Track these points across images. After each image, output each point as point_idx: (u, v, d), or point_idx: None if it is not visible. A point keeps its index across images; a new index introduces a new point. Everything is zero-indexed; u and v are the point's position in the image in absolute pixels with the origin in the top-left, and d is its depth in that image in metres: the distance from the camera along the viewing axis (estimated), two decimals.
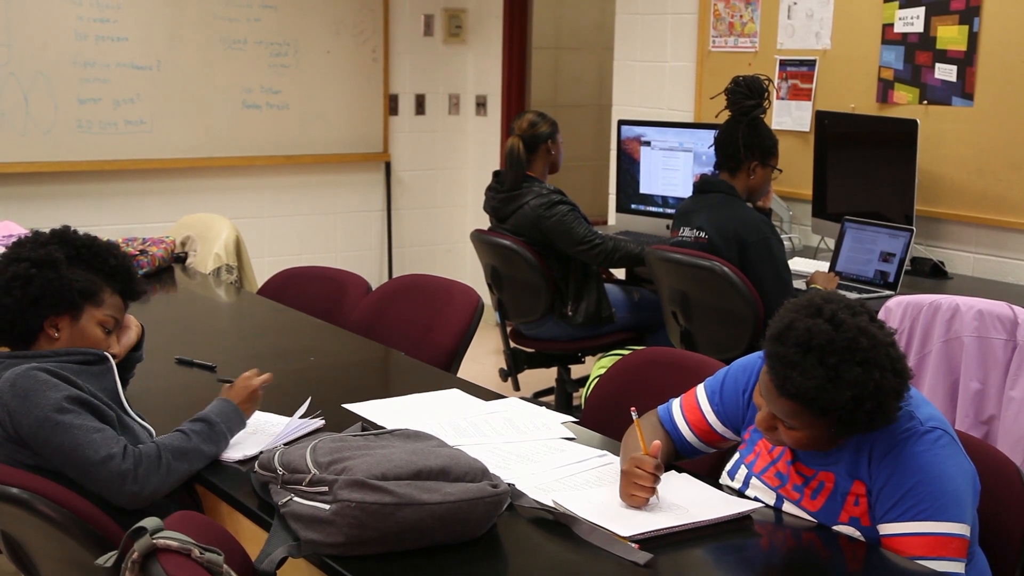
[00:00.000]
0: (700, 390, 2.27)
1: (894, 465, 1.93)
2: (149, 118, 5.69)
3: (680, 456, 2.29)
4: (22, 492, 1.99)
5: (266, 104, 6.01)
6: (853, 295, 3.77)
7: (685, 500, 2.05)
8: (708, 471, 2.28)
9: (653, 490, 2.02)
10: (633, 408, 2.14)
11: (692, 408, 2.25)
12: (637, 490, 2.02)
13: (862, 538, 1.98)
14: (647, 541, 1.91)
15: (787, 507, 2.07)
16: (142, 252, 4.14)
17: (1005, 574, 2.05)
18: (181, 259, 4.42)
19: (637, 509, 2.01)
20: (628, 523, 1.95)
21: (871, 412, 1.87)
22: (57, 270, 2.24)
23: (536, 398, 5.01)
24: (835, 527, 2.00)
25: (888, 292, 3.78)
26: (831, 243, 4.26)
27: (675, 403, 2.29)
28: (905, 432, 1.94)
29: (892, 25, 4.37)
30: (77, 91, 5.49)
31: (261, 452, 2.17)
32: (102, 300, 2.30)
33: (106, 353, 2.28)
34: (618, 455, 2.22)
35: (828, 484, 2.01)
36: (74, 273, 2.26)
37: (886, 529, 1.94)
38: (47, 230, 2.34)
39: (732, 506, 2.05)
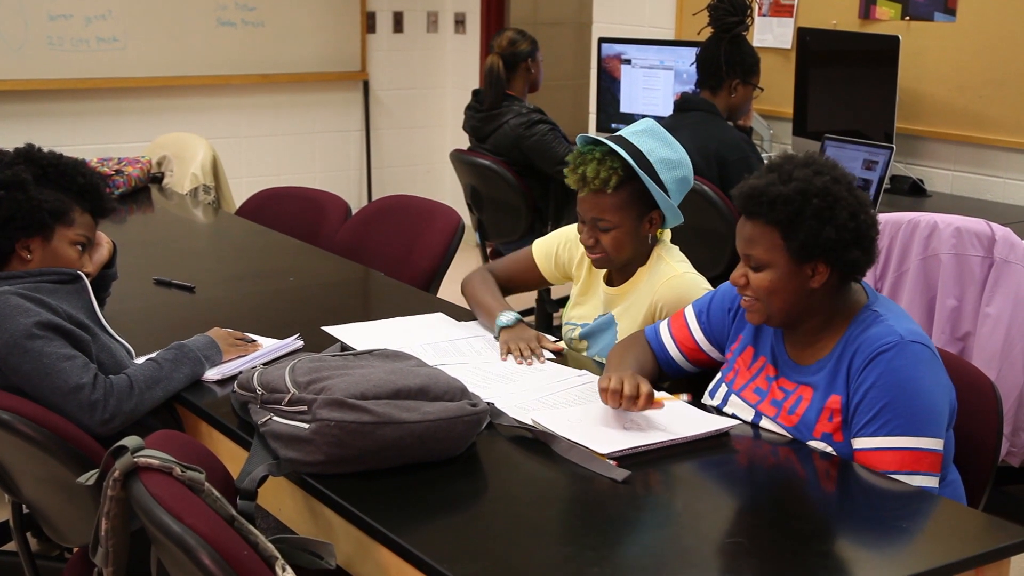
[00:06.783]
0: (688, 309, 2.31)
1: (874, 377, 1.94)
2: (122, 35, 5.58)
3: (664, 375, 2.31)
4: (2, 412, 1.99)
5: (241, 21, 5.90)
6: None
7: (663, 418, 2.07)
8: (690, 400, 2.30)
9: (619, 404, 2.03)
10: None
11: (680, 326, 2.30)
12: (615, 397, 2.02)
13: (835, 454, 2.00)
14: (625, 458, 1.93)
15: (764, 423, 2.09)
16: (118, 172, 4.10)
17: (978, 486, 2.08)
18: (158, 179, 4.37)
19: (613, 429, 2.02)
20: (606, 441, 1.97)
21: (819, 210, 1.94)
22: (26, 191, 2.21)
23: None
24: (809, 443, 2.03)
25: None
26: None
27: (662, 323, 2.33)
28: (886, 345, 1.95)
29: None
30: (48, 7, 5.37)
31: (240, 372, 2.17)
32: (72, 219, 2.28)
33: (79, 272, 2.27)
34: (598, 375, 2.24)
35: (805, 399, 2.03)
36: (43, 193, 2.24)
37: (861, 443, 1.96)
38: (11, 149, 2.31)
39: (710, 423, 2.07)
